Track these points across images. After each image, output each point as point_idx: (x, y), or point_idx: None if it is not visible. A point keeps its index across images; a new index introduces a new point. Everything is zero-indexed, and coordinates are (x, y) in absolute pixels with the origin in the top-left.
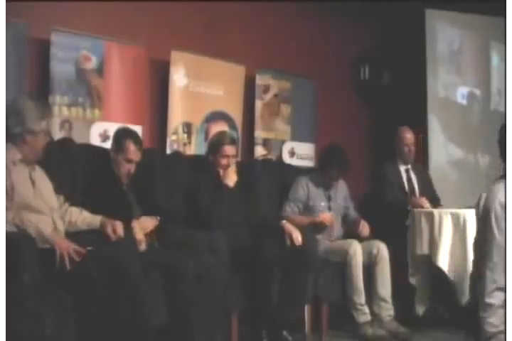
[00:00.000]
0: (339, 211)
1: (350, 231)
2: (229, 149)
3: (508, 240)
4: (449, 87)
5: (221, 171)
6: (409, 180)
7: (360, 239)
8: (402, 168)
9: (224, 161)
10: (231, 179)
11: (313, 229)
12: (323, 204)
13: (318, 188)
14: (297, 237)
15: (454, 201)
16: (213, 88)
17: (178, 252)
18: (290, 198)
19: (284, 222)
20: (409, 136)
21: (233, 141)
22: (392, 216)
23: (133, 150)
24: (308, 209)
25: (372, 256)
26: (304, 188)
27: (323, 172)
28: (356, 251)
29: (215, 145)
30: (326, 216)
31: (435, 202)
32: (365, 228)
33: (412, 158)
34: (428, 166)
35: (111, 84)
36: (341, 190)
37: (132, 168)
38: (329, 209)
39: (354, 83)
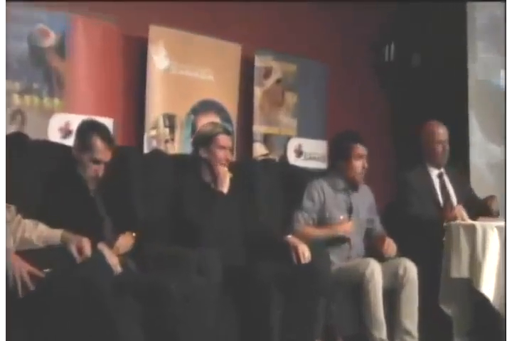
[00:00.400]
0: (362, 225)
1: (372, 249)
2: (225, 139)
3: (508, 239)
4: (491, 69)
5: (217, 169)
6: (442, 187)
7: (382, 258)
8: (434, 173)
9: (221, 154)
10: (226, 183)
11: (327, 244)
12: (342, 217)
13: (337, 194)
14: (303, 252)
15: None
16: (202, 72)
17: (160, 274)
18: (303, 207)
19: (289, 236)
20: (441, 131)
21: (228, 132)
22: (421, 231)
23: (101, 149)
24: (323, 222)
25: (396, 279)
26: (320, 194)
27: (340, 166)
28: (374, 273)
29: (207, 135)
30: (346, 226)
31: (488, 214)
32: (390, 247)
33: (446, 159)
34: (469, 170)
35: (75, 67)
36: (365, 197)
37: (100, 170)
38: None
39: (376, 66)
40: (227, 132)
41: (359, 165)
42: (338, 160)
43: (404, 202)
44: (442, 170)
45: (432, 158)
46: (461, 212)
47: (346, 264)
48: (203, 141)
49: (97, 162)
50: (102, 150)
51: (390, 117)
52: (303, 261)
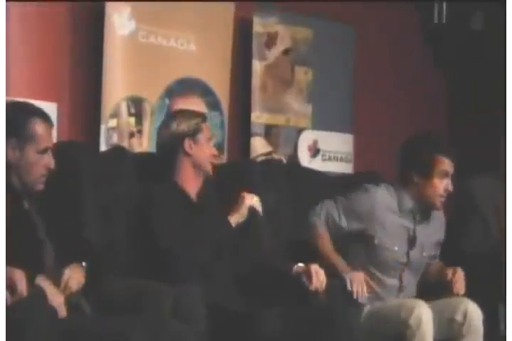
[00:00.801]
0: (422, 264)
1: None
2: (209, 128)
3: (508, 240)
4: None
5: (206, 167)
6: None
7: (434, 297)
8: None
9: (209, 150)
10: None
11: None
12: (397, 248)
13: (401, 217)
14: (317, 272)
15: None
16: (180, 39)
17: (122, 318)
18: (345, 207)
19: (300, 265)
20: None
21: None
22: (489, 264)
23: (44, 133)
24: (370, 248)
25: (453, 327)
26: (375, 208)
27: (413, 182)
28: (422, 320)
29: (192, 125)
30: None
31: None
32: (460, 280)
33: None
34: None
35: (6, 36)
36: (436, 228)
37: (51, 161)
38: (408, 259)
39: (421, 30)
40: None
41: (441, 185)
42: (411, 175)
43: (468, 225)
44: None
45: None
46: None
47: (383, 307)
48: (189, 131)
49: (43, 151)
50: (45, 136)
51: (447, 102)
52: (317, 286)
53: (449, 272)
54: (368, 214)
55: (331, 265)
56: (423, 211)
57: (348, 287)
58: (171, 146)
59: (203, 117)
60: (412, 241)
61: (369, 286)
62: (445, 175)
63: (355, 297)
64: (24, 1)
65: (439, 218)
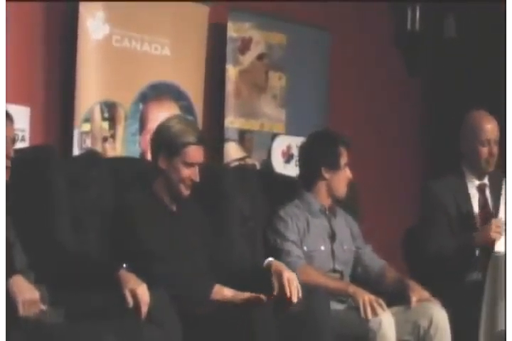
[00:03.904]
0: (348, 260)
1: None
2: (197, 153)
3: (508, 241)
4: None
5: (178, 188)
6: (483, 204)
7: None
8: (473, 184)
9: (187, 172)
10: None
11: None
12: (323, 248)
13: (316, 218)
14: (290, 280)
15: None
16: (154, 43)
17: (96, 323)
18: (290, 237)
19: (270, 259)
20: (490, 126)
21: (203, 141)
22: (451, 265)
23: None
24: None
25: (419, 332)
26: (301, 221)
27: (317, 180)
28: (382, 323)
29: (175, 142)
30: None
31: None
32: (416, 290)
33: (493, 166)
34: None
35: None
36: (344, 219)
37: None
38: (333, 255)
39: (395, 37)
40: (202, 141)
41: (347, 177)
42: (321, 170)
43: (428, 225)
44: (486, 180)
45: (473, 164)
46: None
47: (347, 309)
48: (164, 150)
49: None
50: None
51: (417, 106)
52: (289, 294)
53: (405, 285)
54: (297, 229)
55: (335, 291)
56: (332, 208)
57: (361, 310)
58: (151, 154)
59: (190, 139)
60: (332, 236)
61: (379, 304)
62: (346, 167)
63: (369, 318)
64: (23, 1)
65: (342, 212)
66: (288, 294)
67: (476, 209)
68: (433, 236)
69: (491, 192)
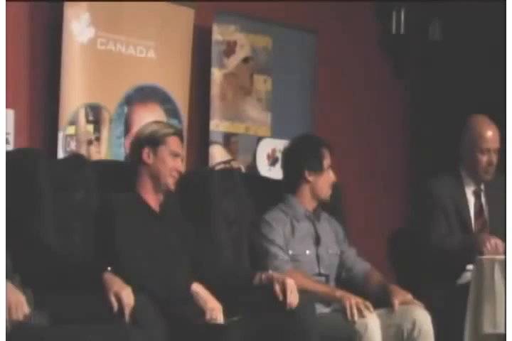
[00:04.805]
0: (333, 263)
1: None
2: (179, 143)
3: (508, 241)
4: None
5: (166, 181)
6: (479, 209)
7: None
8: (470, 188)
9: (172, 163)
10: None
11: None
12: (308, 252)
13: (301, 222)
14: (292, 289)
15: None
16: (139, 46)
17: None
18: (276, 241)
19: (270, 272)
20: (491, 134)
21: (181, 135)
22: (443, 269)
23: None
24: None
25: (403, 335)
26: (286, 225)
27: (302, 184)
28: (368, 325)
29: (156, 134)
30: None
31: None
32: (400, 293)
33: (492, 173)
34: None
35: None
36: (328, 223)
37: None
38: (318, 259)
39: (380, 40)
40: (180, 135)
41: (331, 180)
42: (304, 174)
43: (427, 221)
44: (482, 186)
45: (471, 170)
46: (497, 247)
47: (333, 312)
48: (149, 139)
49: None
50: None
51: (402, 109)
52: (290, 303)
53: (387, 289)
54: (282, 232)
55: (322, 295)
56: (317, 211)
57: (348, 312)
58: (131, 155)
59: (172, 130)
60: (317, 239)
61: (366, 306)
62: (330, 169)
63: (355, 320)
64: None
65: (326, 215)
66: (290, 301)
67: (472, 214)
68: (436, 233)
69: (487, 198)
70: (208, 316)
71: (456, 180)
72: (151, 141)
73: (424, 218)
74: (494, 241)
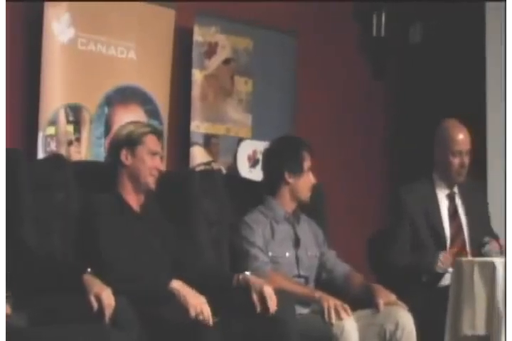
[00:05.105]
0: (312, 265)
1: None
2: (156, 142)
3: (508, 241)
4: None
5: (146, 180)
6: (453, 212)
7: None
8: (443, 192)
9: (151, 162)
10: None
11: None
12: (287, 254)
13: (281, 224)
14: (271, 296)
15: None
16: (119, 47)
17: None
18: (256, 243)
19: (247, 273)
20: (462, 137)
21: (159, 133)
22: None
23: None
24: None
25: (386, 335)
26: (266, 227)
27: (283, 185)
28: (345, 327)
29: (133, 135)
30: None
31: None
32: (383, 294)
33: (464, 175)
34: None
35: None
36: (307, 225)
37: None
38: (297, 261)
39: (361, 42)
40: (158, 133)
41: (311, 181)
42: (284, 175)
43: (390, 235)
44: (455, 189)
45: (444, 173)
46: (450, 262)
47: (311, 313)
48: (127, 140)
49: None
50: None
51: (383, 111)
52: (272, 310)
53: (371, 289)
54: (261, 234)
55: (302, 296)
56: (297, 212)
57: (326, 314)
58: (109, 157)
59: (148, 129)
60: (296, 242)
61: (344, 309)
62: (310, 171)
63: (332, 321)
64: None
65: (305, 217)
66: (271, 309)
67: (446, 217)
68: (393, 251)
69: (462, 199)
70: (192, 313)
71: (428, 183)
72: (129, 141)
73: (389, 230)
74: (450, 251)
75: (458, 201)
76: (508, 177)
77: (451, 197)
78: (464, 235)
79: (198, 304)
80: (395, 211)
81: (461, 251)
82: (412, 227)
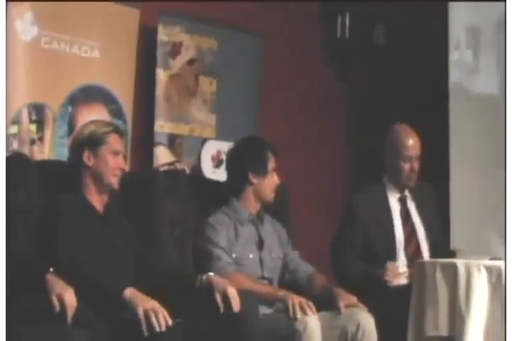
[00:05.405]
0: (276, 267)
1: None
2: (118, 141)
3: (508, 241)
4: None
5: (109, 181)
6: (405, 215)
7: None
8: (394, 196)
9: (114, 161)
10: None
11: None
12: (251, 255)
13: (244, 226)
14: (234, 296)
15: (489, 247)
16: (83, 46)
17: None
18: (220, 244)
19: (210, 274)
20: (412, 142)
21: (121, 132)
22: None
23: None
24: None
25: (347, 337)
26: (229, 228)
27: (247, 187)
28: (308, 325)
29: (94, 135)
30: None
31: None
32: (344, 296)
33: (414, 181)
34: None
35: None
36: (271, 226)
37: None
38: (261, 263)
39: (325, 43)
40: (120, 132)
41: (275, 182)
42: (248, 176)
43: (341, 241)
44: (407, 192)
45: (395, 178)
46: (399, 273)
47: (275, 312)
48: (88, 141)
49: None
50: None
51: (346, 113)
52: (235, 310)
53: (332, 291)
54: (225, 235)
55: (266, 295)
56: (260, 213)
57: (290, 310)
58: (71, 158)
59: (110, 128)
60: (260, 244)
61: (308, 306)
62: (274, 172)
63: (297, 317)
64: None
65: (268, 218)
66: (235, 308)
67: (398, 220)
68: (343, 259)
69: (415, 202)
70: (142, 320)
71: (379, 189)
72: (91, 141)
73: (340, 235)
74: (393, 265)
75: (410, 204)
76: (508, 178)
77: (402, 201)
78: (417, 237)
79: (149, 310)
80: (347, 216)
81: (416, 254)
82: (364, 232)
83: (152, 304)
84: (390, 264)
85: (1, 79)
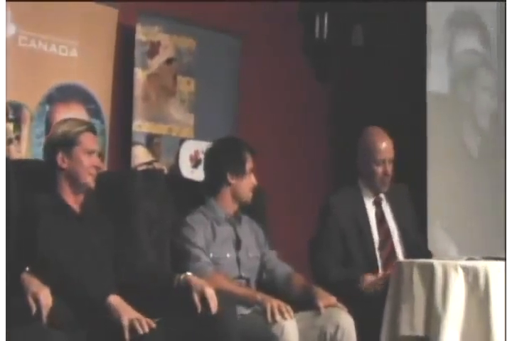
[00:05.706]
0: (254, 267)
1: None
2: (92, 140)
3: (508, 241)
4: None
5: (86, 182)
6: (381, 218)
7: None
8: (370, 200)
9: (88, 160)
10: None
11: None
12: (228, 255)
13: (222, 226)
14: (212, 297)
15: (468, 248)
16: (61, 45)
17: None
18: (198, 243)
19: (188, 274)
20: (385, 146)
21: (94, 130)
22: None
23: None
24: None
25: (326, 337)
26: (207, 228)
27: (224, 187)
28: (285, 327)
29: (67, 135)
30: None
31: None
32: (324, 296)
33: (388, 184)
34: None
35: None
36: (248, 226)
37: None
38: (238, 263)
39: (304, 45)
40: (94, 130)
41: (252, 183)
42: (226, 176)
43: (319, 233)
44: (382, 195)
45: (368, 182)
46: (374, 282)
47: (253, 313)
48: (62, 142)
49: None
50: None
51: (324, 114)
52: (213, 311)
53: (311, 291)
54: (203, 235)
55: (244, 298)
56: (238, 213)
57: (268, 314)
58: (46, 159)
59: (84, 127)
60: (237, 243)
61: (286, 310)
62: (252, 173)
63: (275, 319)
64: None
65: (246, 218)
66: (213, 309)
67: (374, 223)
68: (321, 260)
69: (390, 204)
70: (125, 331)
71: (355, 191)
72: (64, 143)
73: (320, 238)
74: (368, 277)
75: (385, 206)
76: (508, 178)
77: (377, 204)
78: (392, 240)
79: (134, 319)
80: (324, 217)
81: (390, 258)
82: (341, 234)
83: (135, 314)
84: (366, 276)
85: (1, 79)
